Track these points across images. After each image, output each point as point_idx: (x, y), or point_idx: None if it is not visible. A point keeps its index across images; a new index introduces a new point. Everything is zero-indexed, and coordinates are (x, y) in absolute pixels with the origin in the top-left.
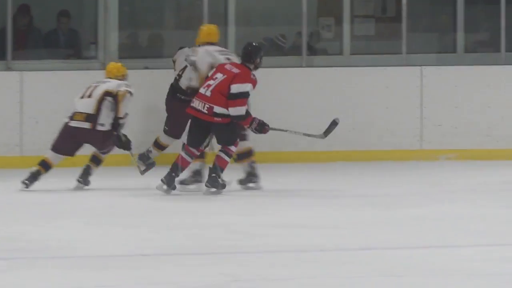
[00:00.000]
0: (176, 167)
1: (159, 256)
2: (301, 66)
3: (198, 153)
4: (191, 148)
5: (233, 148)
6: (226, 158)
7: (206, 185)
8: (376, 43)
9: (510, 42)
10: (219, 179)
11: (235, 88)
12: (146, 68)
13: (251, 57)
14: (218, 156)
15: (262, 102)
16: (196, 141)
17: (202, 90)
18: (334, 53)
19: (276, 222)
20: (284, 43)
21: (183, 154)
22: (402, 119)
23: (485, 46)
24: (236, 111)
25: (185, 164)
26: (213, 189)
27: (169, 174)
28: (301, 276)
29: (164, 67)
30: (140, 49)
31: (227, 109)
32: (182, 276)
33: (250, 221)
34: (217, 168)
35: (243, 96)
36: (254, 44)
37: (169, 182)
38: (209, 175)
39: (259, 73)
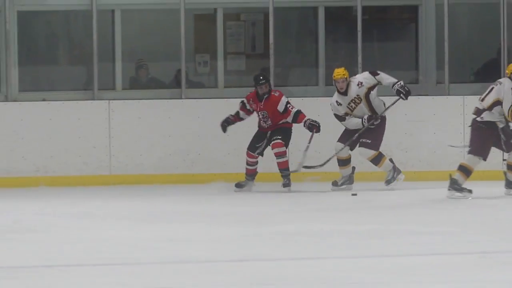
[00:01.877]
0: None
1: (62, 267)
2: (180, 98)
3: None
4: None
5: None
6: None
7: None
8: (247, 77)
9: None
10: None
11: None
12: (44, 100)
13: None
14: None
15: (146, 130)
16: None
17: None
18: (210, 86)
19: (160, 236)
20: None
21: None
22: None
23: None
24: None
25: None
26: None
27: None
28: (180, 286)
29: (59, 99)
30: (38, 83)
31: None
32: (84, 285)
33: (137, 235)
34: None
35: None
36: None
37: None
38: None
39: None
